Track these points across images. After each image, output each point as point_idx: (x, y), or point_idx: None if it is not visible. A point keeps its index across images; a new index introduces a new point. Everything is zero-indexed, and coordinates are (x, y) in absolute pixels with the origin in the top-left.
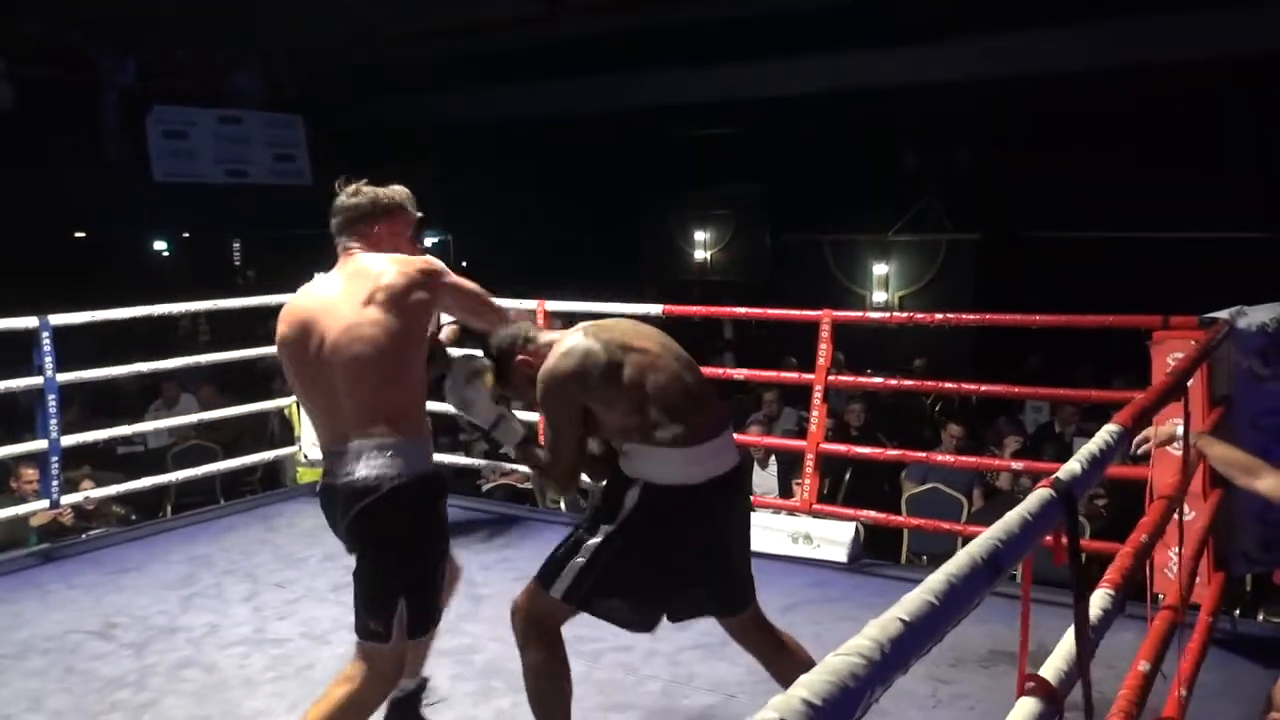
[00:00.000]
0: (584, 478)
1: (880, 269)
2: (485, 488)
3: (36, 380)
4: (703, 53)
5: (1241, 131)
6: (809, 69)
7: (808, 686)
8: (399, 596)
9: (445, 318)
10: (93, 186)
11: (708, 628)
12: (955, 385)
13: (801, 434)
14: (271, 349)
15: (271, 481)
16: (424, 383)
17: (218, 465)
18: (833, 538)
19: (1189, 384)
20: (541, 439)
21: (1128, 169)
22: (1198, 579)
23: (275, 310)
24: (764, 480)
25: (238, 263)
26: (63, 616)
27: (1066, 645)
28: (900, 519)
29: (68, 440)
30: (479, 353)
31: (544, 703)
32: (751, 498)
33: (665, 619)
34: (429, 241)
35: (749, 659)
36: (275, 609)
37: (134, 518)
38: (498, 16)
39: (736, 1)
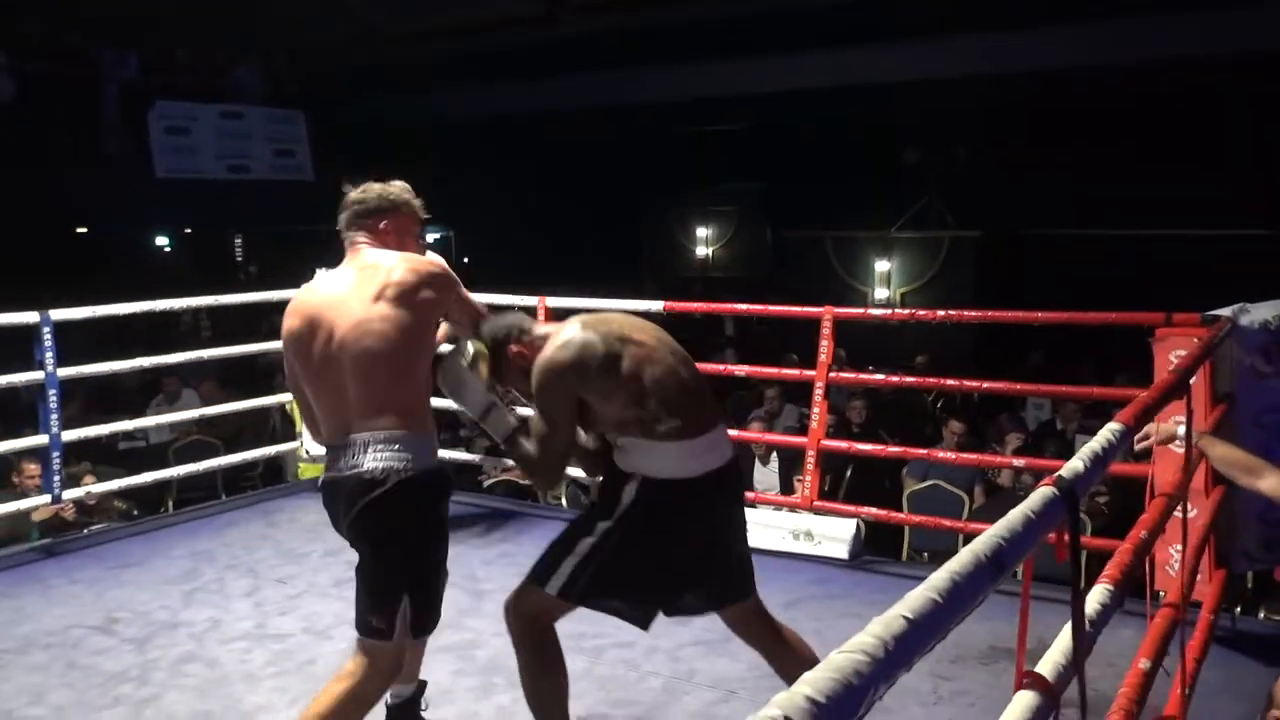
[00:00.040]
0: (581, 474)
1: (882, 266)
2: (487, 483)
3: (37, 375)
4: (703, 50)
5: (1242, 129)
6: (810, 66)
7: (811, 684)
8: (403, 593)
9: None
10: (94, 182)
11: (709, 624)
12: (957, 382)
13: (803, 431)
14: (273, 344)
15: (273, 477)
16: (429, 380)
17: (219, 460)
18: (834, 534)
19: (1191, 381)
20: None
21: (1129, 166)
22: (1199, 576)
23: (276, 306)
24: (765, 477)
25: (239, 258)
26: (64, 611)
27: (1064, 642)
28: (901, 516)
29: (69, 435)
30: (474, 342)
31: (540, 700)
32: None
33: (661, 614)
34: (430, 238)
35: (750, 655)
36: (277, 604)
37: (136, 513)
38: (498, 15)
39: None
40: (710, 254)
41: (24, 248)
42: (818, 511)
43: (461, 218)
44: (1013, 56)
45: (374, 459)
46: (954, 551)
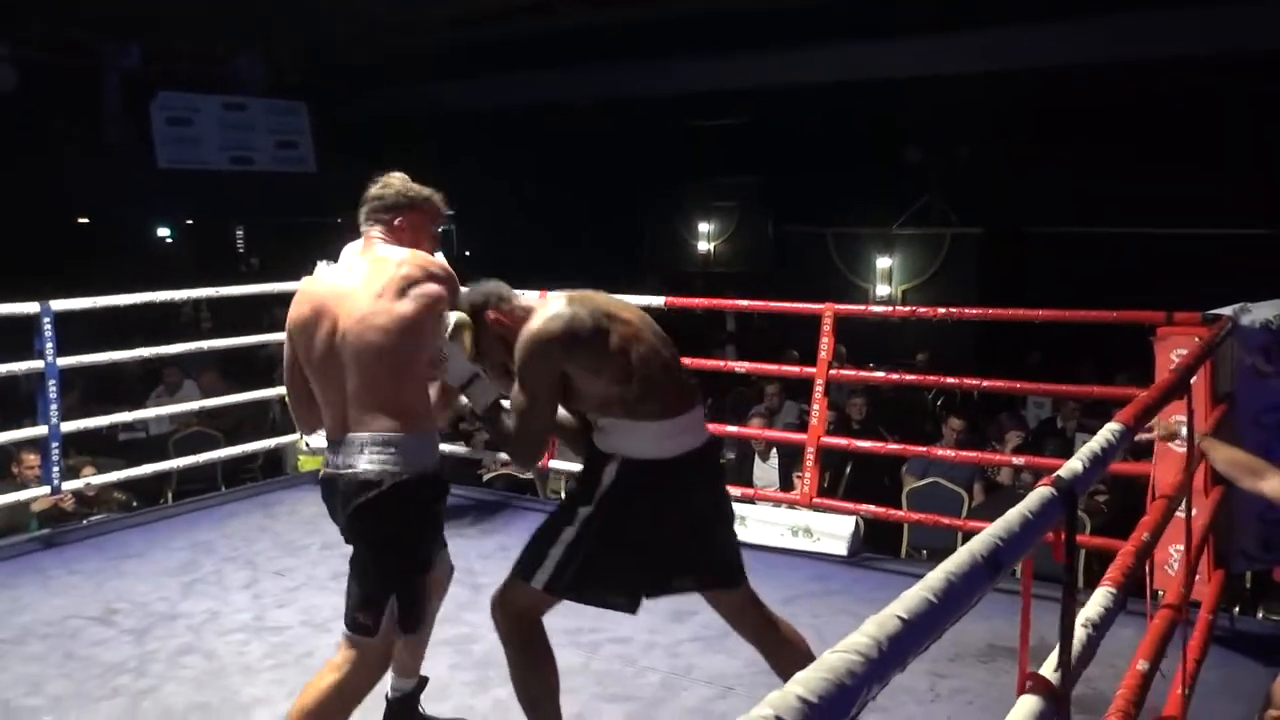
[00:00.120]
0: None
1: (883, 262)
2: (486, 477)
3: (38, 364)
4: (704, 43)
5: (1244, 127)
6: (812, 60)
7: (804, 684)
8: (391, 593)
9: None
10: (95, 172)
11: (707, 621)
12: (957, 380)
13: (802, 427)
14: (274, 336)
15: (273, 469)
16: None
17: (219, 452)
18: (833, 531)
19: (1192, 381)
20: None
21: (1130, 164)
22: (1197, 576)
23: (277, 298)
24: (765, 473)
25: (241, 250)
26: (63, 602)
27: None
28: (900, 513)
29: (69, 426)
30: (457, 314)
31: (530, 696)
32: (751, 491)
33: (645, 597)
34: None
35: (748, 652)
36: (275, 596)
37: (135, 504)
38: (500, 6)
39: None
40: (712, 249)
41: (25, 237)
42: (817, 508)
43: (461, 210)
44: (1015, 53)
45: (369, 461)
46: (953, 549)
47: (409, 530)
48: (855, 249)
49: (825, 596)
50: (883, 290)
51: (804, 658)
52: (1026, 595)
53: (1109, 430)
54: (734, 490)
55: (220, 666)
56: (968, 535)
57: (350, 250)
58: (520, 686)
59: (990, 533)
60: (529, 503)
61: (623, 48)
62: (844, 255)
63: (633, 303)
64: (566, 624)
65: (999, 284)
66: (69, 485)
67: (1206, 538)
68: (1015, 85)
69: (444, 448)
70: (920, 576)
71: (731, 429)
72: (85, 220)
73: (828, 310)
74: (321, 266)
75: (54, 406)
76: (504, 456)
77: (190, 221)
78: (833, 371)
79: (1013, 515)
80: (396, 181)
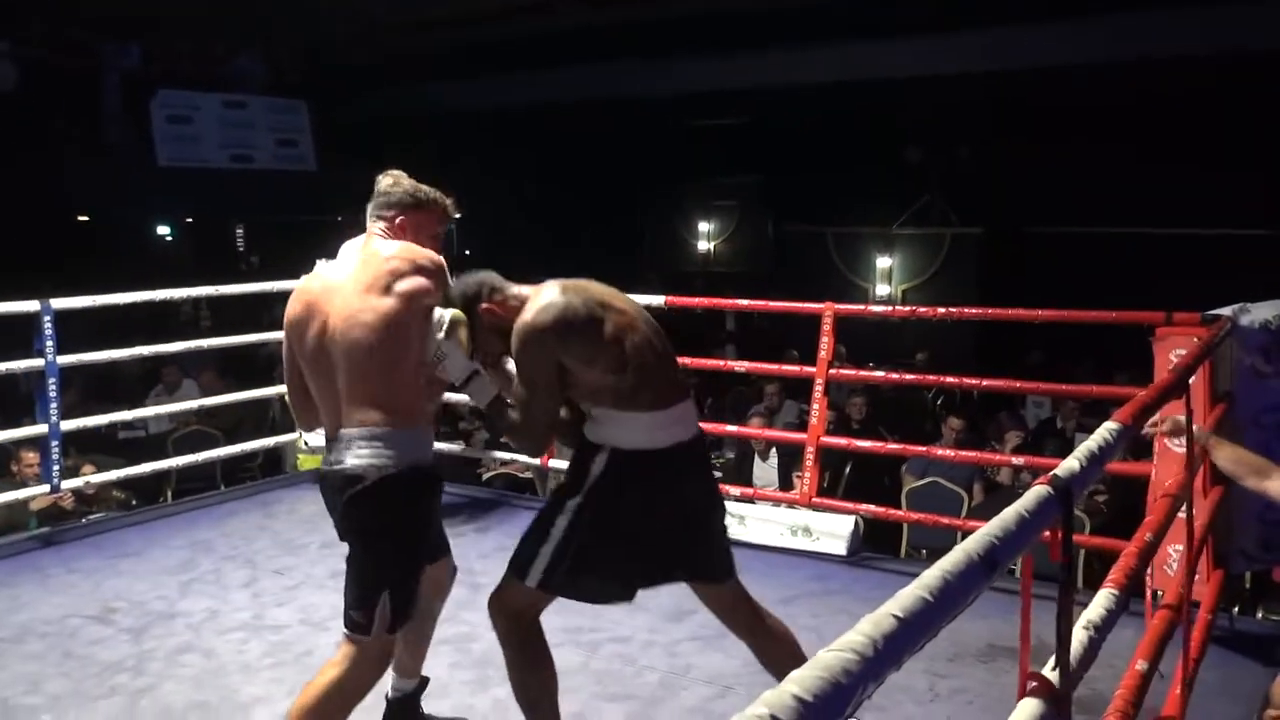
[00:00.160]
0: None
1: (883, 262)
2: (485, 476)
3: (37, 363)
4: (704, 43)
5: (1244, 128)
6: (812, 60)
7: (799, 682)
8: (384, 590)
9: None
10: (95, 171)
11: (705, 620)
12: (957, 379)
13: (802, 427)
14: (274, 335)
15: (272, 468)
16: (420, 372)
17: (218, 451)
18: (832, 531)
19: (1191, 381)
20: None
21: (1130, 164)
22: (1196, 576)
23: (277, 296)
24: (764, 472)
25: (241, 248)
26: (62, 600)
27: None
28: (900, 513)
29: (68, 425)
30: (449, 310)
31: (528, 695)
32: (751, 490)
33: (641, 588)
34: None
35: (747, 651)
36: (274, 595)
37: (134, 503)
38: (500, 5)
39: None
40: (712, 248)
41: (25, 236)
42: (816, 508)
43: (463, 207)
44: (1015, 53)
45: (356, 456)
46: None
47: (398, 524)
48: (855, 249)
49: (825, 596)
50: (883, 290)
51: (790, 649)
52: (1026, 595)
53: (1106, 429)
54: (734, 490)
55: (219, 665)
56: (967, 535)
57: (349, 246)
58: (519, 687)
59: (986, 531)
60: (528, 501)
61: (623, 48)
62: (844, 255)
63: (621, 292)
64: (566, 623)
65: (999, 284)
66: (68, 484)
67: (1206, 538)
68: (1015, 85)
69: (443, 447)
70: (919, 576)
71: (731, 428)
72: (85, 219)
73: (827, 310)
74: (321, 264)
75: (54, 405)
76: (503, 456)
77: (190, 220)
78: (832, 371)
79: (1009, 514)
80: (407, 181)
